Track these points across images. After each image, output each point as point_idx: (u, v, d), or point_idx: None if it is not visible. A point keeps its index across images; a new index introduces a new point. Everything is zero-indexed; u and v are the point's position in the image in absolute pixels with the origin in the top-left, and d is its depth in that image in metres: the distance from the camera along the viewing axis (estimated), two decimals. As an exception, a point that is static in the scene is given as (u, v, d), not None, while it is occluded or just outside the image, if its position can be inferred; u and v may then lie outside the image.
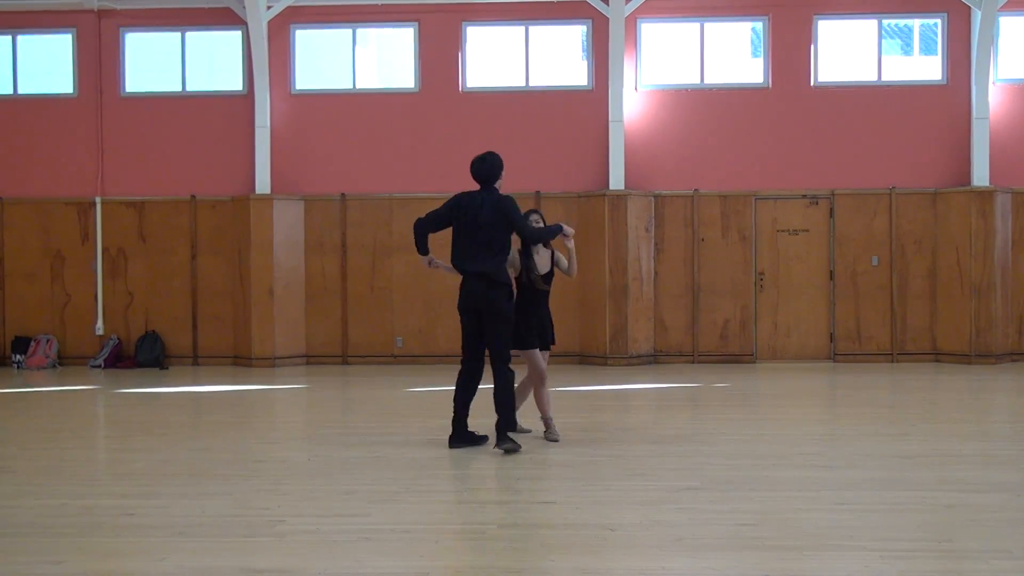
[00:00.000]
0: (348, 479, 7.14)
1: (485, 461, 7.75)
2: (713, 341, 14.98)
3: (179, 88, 15.60)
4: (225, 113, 15.41)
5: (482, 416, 9.09)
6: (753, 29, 15.55)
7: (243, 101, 15.38)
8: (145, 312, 15.41)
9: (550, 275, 8.59)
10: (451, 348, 13.89)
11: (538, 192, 15.06)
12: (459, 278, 8.20)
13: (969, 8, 14.78)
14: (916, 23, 15.74)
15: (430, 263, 8.38)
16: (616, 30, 14.63)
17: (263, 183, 15.11)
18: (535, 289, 8.45)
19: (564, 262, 8.63)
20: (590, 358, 14.75)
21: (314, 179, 15.34)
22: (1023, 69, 15.19)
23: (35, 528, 5.91)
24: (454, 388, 8.24)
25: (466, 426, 8.26)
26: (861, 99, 15.06)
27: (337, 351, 15.24)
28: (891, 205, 14.92)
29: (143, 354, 15.07)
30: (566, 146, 15.15)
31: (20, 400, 12.05)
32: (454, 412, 8.21)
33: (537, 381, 8.53)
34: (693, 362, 14.89)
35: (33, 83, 15.79)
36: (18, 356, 15.13)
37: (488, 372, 8.14)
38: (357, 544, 5.52)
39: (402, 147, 15.25)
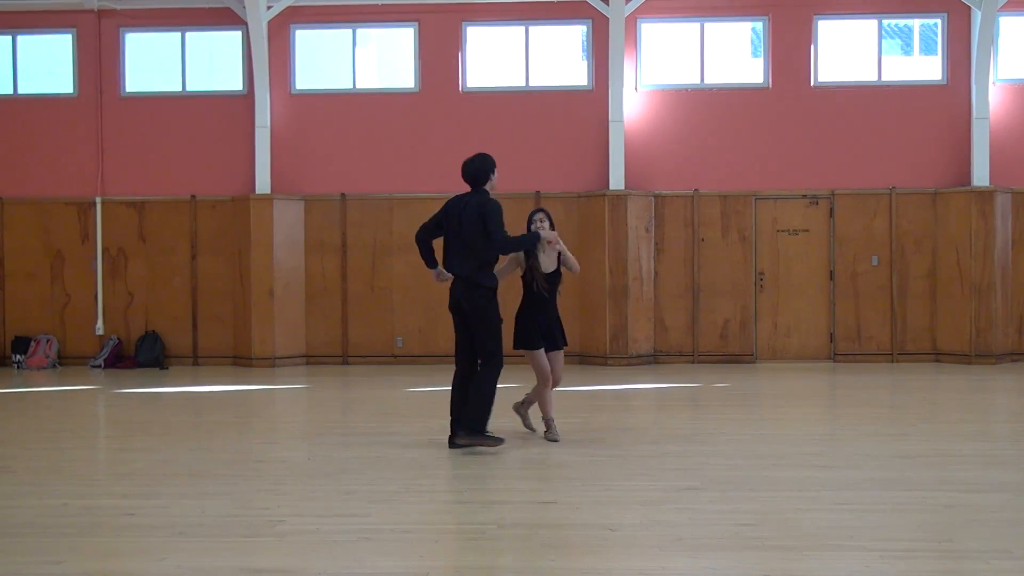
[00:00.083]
0: (348, 479, 7.14)
1: (485, 461, 7.75)
2: (713, 341, 14.98)
3: (179, 88, 15.60)
4: (225, 113, 15.41)
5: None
6: (753, 29, 15.55)
7: (243, 101, 15.38)
8: (145, 312, 15.41)
9: (556, 274, 8.50)
10: (451, 348, 13.74)
11: (538, 192, 15.06)
12: None
13: (969, 8, 14.78)
14: (916, 23, 15.74)
15: (438, 276, 8.30)
16: (616, 30, 14.63)
17: (263, 183, 15.11)
18: (544, 290, 8.38)
19: (571, 261, 8.53)
20: (590, 358, 14.75)
21: (314, 179, 15.34)
22: (1023, 69, 15.19)
23: (35, 528, 5.91)
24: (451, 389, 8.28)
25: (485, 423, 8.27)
26: (861, 99, 15.06)
27: (337, 351, 15.24)
28: (891, 205, 14.92)
29: (143, 354, 15.08)
30: (566, 146, 15.15)
31: (20, 400, 12.05)
32: (451, 413, 8.21)
33: (540, 382, 8.52)
34: (693, 362, 14.89)
35: (33, 83, 15.79)
36: (18, 356, 15.14)
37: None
38: (357, 544, 5.52)
39: (402, 147, 15.26)
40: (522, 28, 15.32)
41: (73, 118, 15.51)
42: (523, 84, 15.33)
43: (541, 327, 8.42)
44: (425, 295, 14.95)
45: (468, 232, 8.03)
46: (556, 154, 15.14)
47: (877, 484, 6.85)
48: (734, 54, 15.93)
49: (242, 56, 15.46)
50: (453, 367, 8.43)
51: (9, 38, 15.65)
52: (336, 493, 6.72)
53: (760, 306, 15.03)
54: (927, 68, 15.34)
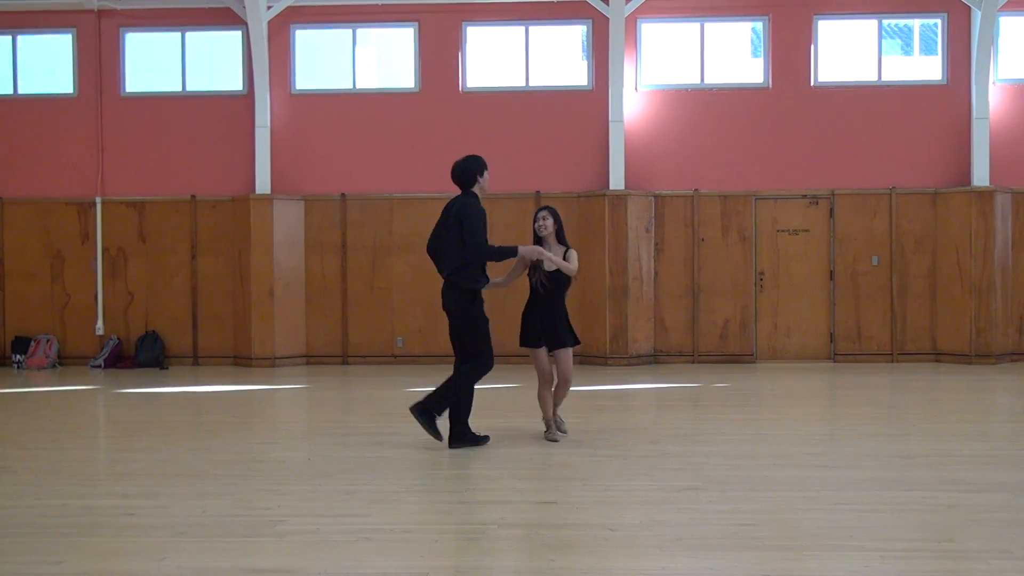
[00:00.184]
0: (348, 479, 7.14)
1: (485, 461, 7.75)
2: (713, 341, 14.98)
3: (179, 88, 15.60)
4: (225, 113, 15.41)
5: (485, 417, 9.11)
6: (753, 29, 15.55)
7: (243, 101, 15.38)
8: (145, 312, 15.41)
9: (559, 273, 8.39)
10: (451, 348, 13.86)
11: (538, 192, 15.06)
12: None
13: (969, 8, 14.78)
14: (916, 23, 15.74)
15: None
16: (616, 30, 14.63)
17: (263, 183, 15.11)
18: (543, 288, 8.36)
19: (563, 266, 8.33)
20: (590, 358, 14.75)
21: (314, 179, 15.34)
22: (1023, 69, 15.19)
23: (35, 528, 5.91)
24: None
25: (466, 426, 8.27)
26: (861, 99, 15.07)
27: (337, 351, 15.24)
28: (891, 205, 14.92)
29: (143, 354, 15.08)
30: (566, 146, 15.15)
31: (20, 400, 12.05)
32: (450, 413, 8.23)
33: (540, 381, 8.51)
34: (693, 362, 14.89)
35: (33, 83, 15.79)
36: (18, 356, 15.14)
37: (490, 373, 8.22)
38: (357, 544, 5.52)
39: (402, 147, 15.26)
40: (522, 28, 15.32)
41: (73, 118, 15.51)
42: (523, 84, 15.33)
43: (544, 326, 8.38)
44: (425, 295, 14.93)
45: (453, 232, 8.08)
46: (556, 154, 15.14)
47: (877, 484, 6.85)
48: (734, 54, 15.93)
49: (242, 56, 15.46)
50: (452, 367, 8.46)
51: (9, 38, 15.65)
52: (336, 493, 6.72)
53: (760, 306, 15.03)
54: (927, 68, 15.34)
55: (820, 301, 15.03)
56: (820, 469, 7.37)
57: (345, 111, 15.35)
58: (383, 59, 16.65)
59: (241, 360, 15.09)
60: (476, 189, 8.30)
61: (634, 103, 15.08)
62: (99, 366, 15.01)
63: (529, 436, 8.73)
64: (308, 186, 15.33)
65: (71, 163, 15.48)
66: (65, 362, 15.35)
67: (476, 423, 8.55)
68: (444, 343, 14.73)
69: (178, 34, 15.53)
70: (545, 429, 8.59)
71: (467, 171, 8.27)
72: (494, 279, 8.51)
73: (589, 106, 15.11)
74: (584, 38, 15.39)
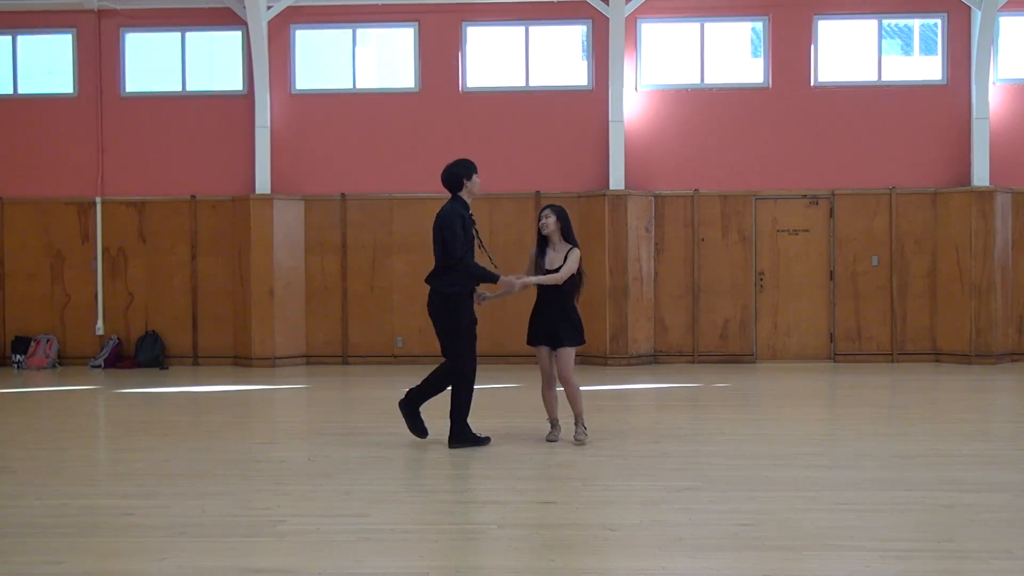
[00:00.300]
0: (348, 479, 7.14)
1: (485, 461, 7.75)
2: (713, 341, 14.98)
3: (179, 88, 15.60)
4: (225, 113, 15.41)
5: (485, 417, 9.11)
6: (753, 29, 15.55)
7: (243, 101, 15.38)
8: (145, 312, 15.41)
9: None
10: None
11: (538, 192, 15.06)
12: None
13: (969, 8, 14.78)
14: (916, 23, 15.74)
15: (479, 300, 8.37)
16: (616, 30, 14.63)
17: (263, 183, 15.11)
18: (545, 287, 8.31)
19: (554, 274, 8.25)
20: (590, 358, 14.74)
21: (314, 179, 15.34)
22: (1023, 69, 15.19)
23: (35, 528, 5.91)
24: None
25: (466, 426, 8.28)
26: (861, 99, 15.07)
27: (337, 351, 15.24)
28: (891, 205, 14.92)
29: (143, 354, 15.08)
30: (566, 146, 15.15)
31: (20, 400, 12.05)
32: (450, 413, 8.25)
33: (543, 381, 8.48)
34: (693, 362, 14.89)
35: (33, 83, 15.80)
36: (18, 356, 15.14)
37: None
38: (357, 544, 5.52)
39: (402, 147, 15.26)
40: (522, 28, 15.32)
41: (73, 118, 15.52)
42: (523, 84, 15.33)
43: (546, 325, 8.32)
44: (425, 295, 14.90)
45: (436, 237, 8.18)
46: (556, 154, 15.14)
47: (877, 484, 6.85)
48: (734, 54, 15.93)
49: (242, 56, 15.46)
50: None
51: (9, 38, 15.65)
52: (336, 493, 6.72)
53: (760, 306, 15.03)
54: (927, 68, 15.34)
55: (820, 301, 15.03)
56: (820, 469, 7.37)
57: (345, 111, 15.35)
58: (383, 59, 16.65)
59: (241, 360, 15.09)
60: (464, 194, 8.33)
61: (634, 103, 15.08)
62: (99, 366, 15.01)
63: (529, 436, 8.73)
64: (308, 186, 15.33)
65: (71, 163, 15.48)
66: (65, 362, 15.35)
67: (476, 423, 8.55)
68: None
69: (178, 34, 15.53)
70: (551, 428, 8.56)
71: (454, 175, 8.33)
72: (484, 291, 8.41)
73: (589, 106, 15.11)
74: (584, 38, 15.39)
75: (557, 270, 8.27)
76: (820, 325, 15.04)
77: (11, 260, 15.49)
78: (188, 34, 15.54)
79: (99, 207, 15.39)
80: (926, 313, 14.87)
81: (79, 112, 15.51)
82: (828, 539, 5.54)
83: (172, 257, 15.37)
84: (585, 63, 15.37)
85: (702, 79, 15.22)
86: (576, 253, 8.31)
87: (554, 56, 15.67)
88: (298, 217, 15.21)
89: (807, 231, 15.03)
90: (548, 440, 8.47)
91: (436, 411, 8.84)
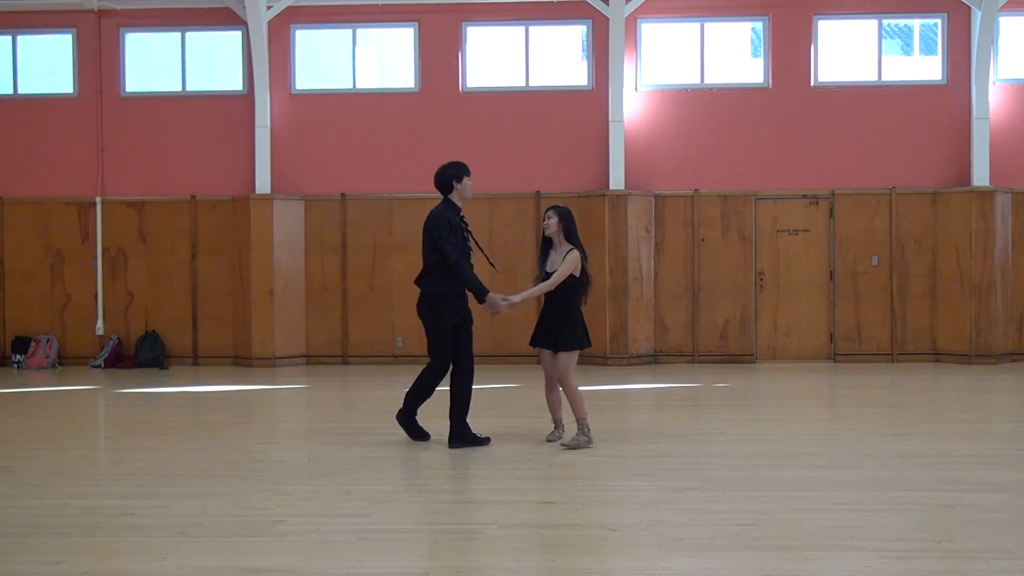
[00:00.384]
0: (348, 479, 7.14)
1: (485, 461, 7.75)
2: (713, 341, 14.98)
3: (179, 88, 15.60)
4: (225, 113, 15.41)
5: (485, 417, 9.11)
6: (753, 29, 15.55)
7: (243, 101, 15.38)
8: (145, 312, 15.41)
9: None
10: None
11: (538, 192, 15.06)
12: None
13: (969, 8, 14.78)
14: (916, 23, 15.74)
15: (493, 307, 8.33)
16: (616, 30, 14.63)
17: (263, 183, 15.11)
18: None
19: (534, 290, 8.31)
20: (590, 358, 14.73)
21: (314, 179, 15.34)
22: (1023, 69, 15.19)
23: (35, 528, 5.91)
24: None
25: (466, 425, 8.28)
26: (861, 99, 15.07)
27: (337, 351, 15.24)
28: (891, 205, 14.92)
29: (143, 354, 15.08)
30: (566, 146, 15.15)
31: (20, 400, 12.05)
32: (449, 412, 8.28)
33: (545, 383, 8.44)
34: (693, 362, 14.89)
35: (33, 83, 15.80)
36: (18, 356, 15.14)
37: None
38: (357, 544, 5.52)
39: (402, 147, 15.26)
40: (522, 28, 15.32)
41: (73, 118, 15.51)
42: (523, 84, 15.33)
43: (548, 327, 8.26)
44: (425, 295, 14.93)
45: (424, 239, 8.27)
46: (556, 154, 15.14)
47: (877, 484, 6.85)
48: (734, 54, 15.93)
49: (242, 56, 15.46)
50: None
51: (9, 38, 15.65)
52: (336, 493, 6.72)
53: (760, 306, 15.03)
54: (927, 68, 15.34)
55: (820, 301, 15.03)
56: (820, 469, 7.37)
57: (345, 111, 15.35)
58: (383, 59, 16.65)
59: (241, 360, 15.09)
60: (454, 196, 8.37)
61: (634, 103, 15.08)
62: (99, 366, 15.01)
63: (529, 436, 8.73)
64: (308, 186, 15.33)
65: (71, 163, 15.48)
66: (65, 362, 15.35)
67: (476, 423, 8.56)
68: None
69: (178, 34, 15.53)
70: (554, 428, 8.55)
71: (443, 177, 8.38)
72: (497, 296, 8.35)
73: (589, 106, 15.11)
74: (584, 38, 15.39)
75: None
76: (820, 325, 15.03)
77: (11, 260, 15.49)
78: (188, 34, 15.54)
79: (99, 207, 15.39)
80: (926, 313, 14.87)
81: (79, 112, 15.51)
82: (828, 539, 5.54)
83: (172, 257, 15.37)
84: (585, 63, 15.37)
85: (702, 79, 15.22)
86: (572, 255, 8.15)
87: (554, 56, 15.67)
88: (298, 217, 15.21)
89: (807, 231, 15.03)
90: (548, 440, 8.46)
91: (436, 411, 8.84)
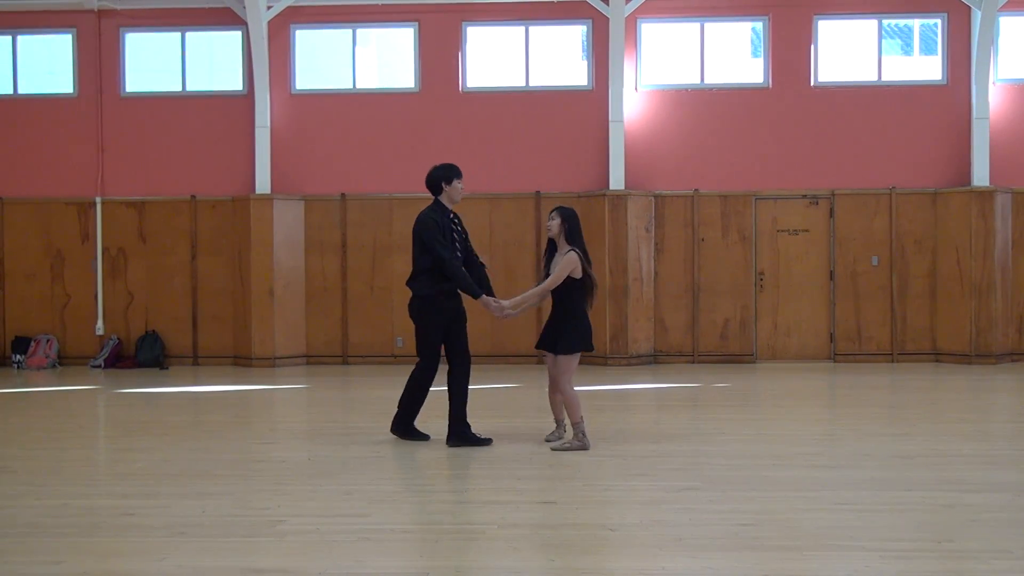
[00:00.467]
0: (348, 479, 7.14)
1: (485, 461, 7.75)
2: (713, 341, 14.98)
3: (179, 88, 15.60)
4: (225, 113, 15.41)
5: (484, 416, 9.11)
6: (753, 29, 15.55)
7: (243, 101, 15.38)
8: (145, 312, 15.41)
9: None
10: (444, 349, 13.88)
11: (538, 192, 15.06)
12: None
13: (969, 8, 14.78)
14: (916, 23, 15.74)
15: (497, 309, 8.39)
16: (616, 30, 14.63)
17: (263, 183, 15.11)
18: (556, 290, 8.19)
19: (529, 294, 8.37)
20: (590, 358, 14.73)
21: (314, 179, 15.34)
22: (1023, 69, 15.19)
23: (35, 528, 5.91)
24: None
25: (467, 426, 8.30)
26: (861, 99, 15.07)
27: (337, 351, 15.24)
28: (891, 205, 14.92)
29: (143, 354, 15.07)
30: (566, 146, 15.15)
31: (20, 400, 12.05)
32: (449, 413, 8.35)
33: (548, 384, 8.42)
34: (693, 362, 14.89)
35: (33, 83, 15.79)
36: (18, 356, 15.14)
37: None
38: (357, 544, 5.52)
39: (402, 147, 15.25)
40: (522, 28, 15.32)
41: (73, 118, 15.51)
42: (523, 84, 15.33)
43: (550, 330, 8.21)
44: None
45: (412, 242, 8.40)
46: (556, 154, 15.14)
47: (877, 484, 6.85)
48: (734, 54, 15.93)
49: (242, 56, 15.46)
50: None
51: (9, 38, 15.65)
52: (336, 493, 6.72)
53: (760, 306, 15.03)
54: (927, 68, 15.34)
55: (820, 301, 15.03)
56: (820, 469, 7.37)
57: (345, 111, 15.35)
58: (383, 59, 16.65)
59: (241, 360, 15.09)
60: (443, 198, 8.44)
61: (634, 103, 15.08)
62: (99, 366, 15.01)
63: (529, 436, 8.73)
64: (308, 186, 15.33)
65: (71, 163, 15.48)
66: (65, 362, 15.35)
67: (476, 423, 8.56)
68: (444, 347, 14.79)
69: (178, 34, 15.52)
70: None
71: (432, 178, 8.46)
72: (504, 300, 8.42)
73: (589, 106, 15.11)
74: (584, 38, 15.39)
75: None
76: (820, 325, 15.03)
77: (11, 260, 15.49)
78: (188, 34, 15.54)
79: (99, 207, 15.39)
80: (926, 313, 14.87)
81: (79, 112, 15.51)
82: (828, 539, 5.54)
83: (172, 257, 15.37)
84: (585, 63, 15.37)
85: (702, 79, 15.22)
86: (568, 256, 8.03)
87: (554, 56, 15.67)
88: (298, 217, 15.21)
89: (807, 231, 15.03)
90: (546, 440, 8.45)
91: (436, 411, 8.84)
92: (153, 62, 15.81)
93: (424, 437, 8.49)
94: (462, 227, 8.50)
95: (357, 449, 8.25)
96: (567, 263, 8.02)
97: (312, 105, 15.38)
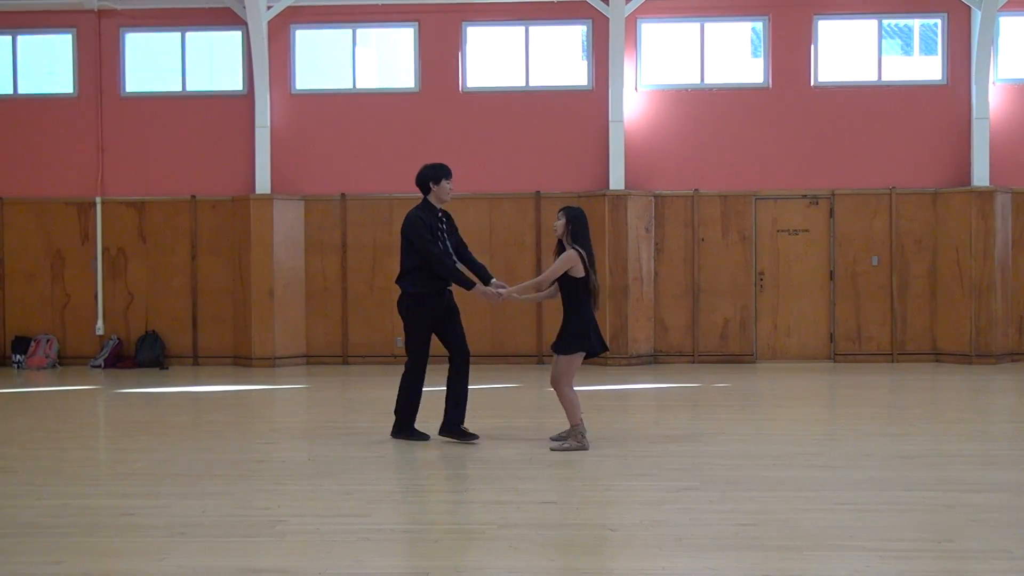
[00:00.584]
0: (348, 479, 7.14)
1: (485, 461, 7.75)
2: (713, 341, 14.98)
3: (179, 88, 15.60)
4: (225, 113, 15.41)
5: (485, 416, 9.12)
6: (753, 29, 15.55)
7: (243, 101, 15.38)
8: (145, 312, 15.41)
9: (564, 279, 8.04)
10: (443, 348, 13.87)
11: (538, 192, 15.06)
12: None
13: (969, 8, 14.78)
14: (916, 23, 15.74)
15: (485, 295, 8.48)
16: (616, 30, 14.63)
17: (263, 183, 15.11)
18: (560, 292, 8.15)
19: (528, 288, 8.48)
20: (586, 359, 14.69)
21: (314, 179, 15.34)
22: (1023, 69, 15.19)
23: (35, 528, 5.91)
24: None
25: (460, 421, 8.42)
26: (861, 99, 15.06)
27: (337, 351, 15.24)
28: (891, 205, 14.92)
29: (143, 354, 15.07)
30: (566, 146, 15.15)
31: (20, 400, 12.05)
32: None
33: None
34: (693, 362, 14.89)
35: (33, 83, 15.79)
36: (18, 356, 15.14)
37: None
38: (357, 544, 5.52)
39: (402, 147, 15.25)
40: (522, 28, 15.32)
41: (73, 118, 15.51)
42: (523, 84, 15.32)
43: (560, 329, 8.27)
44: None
45: (401, 242, 8.49)
46: (556, 154, 15.14)
47: (877, 484, 6.85)
48: (734, 54, 15.93)
49: (242, 56, 15.46)
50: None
51: (9, 38, 15.65)
52: (336, 493, 6.72)
53: (760, 306, 15.03)
54: (927, 68, 15.34)
55: (820, 301, 15.03)
56: (820, 469, 7.37)
57: (345, 111, 15.35)
58: (383, 59, 16.65)
59: (241, 360, 15.09)
60: (432, 197, 8.56)
61: (634, 103, 15.08)
62: (99, 366, 15.01)
63: (529, 436, 8.73)
64: (308, 186, 15.33)
65: (71, 163, 15.48)
66: (65, 362, 15.35)
67: (476, 423, 8.58)
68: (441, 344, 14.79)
69: (178, 34, 15.52)
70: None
71: (421, 177, 8.65)
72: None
73: (589, 106, 15.11)
74: (584, 38, 15.39)
75: (565, 275, 8.06)
76: (820, 325, 15.03)
77: (11, 260, 15.49)
78: (188, 34, 15.53)
79: (99, 207, 15.38)
80: (926, 313, 14.87)
81: (79, 112, 15.50)
82: (828, 539, 5.54)
83: (172, 257, 15.37)
84: (585, 63, 15.37)
85: (702, 79, 15.22)
86: (566, 253, 8.00)
87: (554, 56, 15.67)
88: (298, 217, 15.21)
89: (807, 231, 15.03)
90: (551, 439, 8.40)
91: (431, 411, 8.84)
92: (153, 62, 15.81)
93: (424, 437, 8.50)
94: (451, 225, 8.60)
95: (357, 449, 8.25)
96: (564, 260, 8.01)
97: (312, 105, 15.38)
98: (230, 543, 5.57)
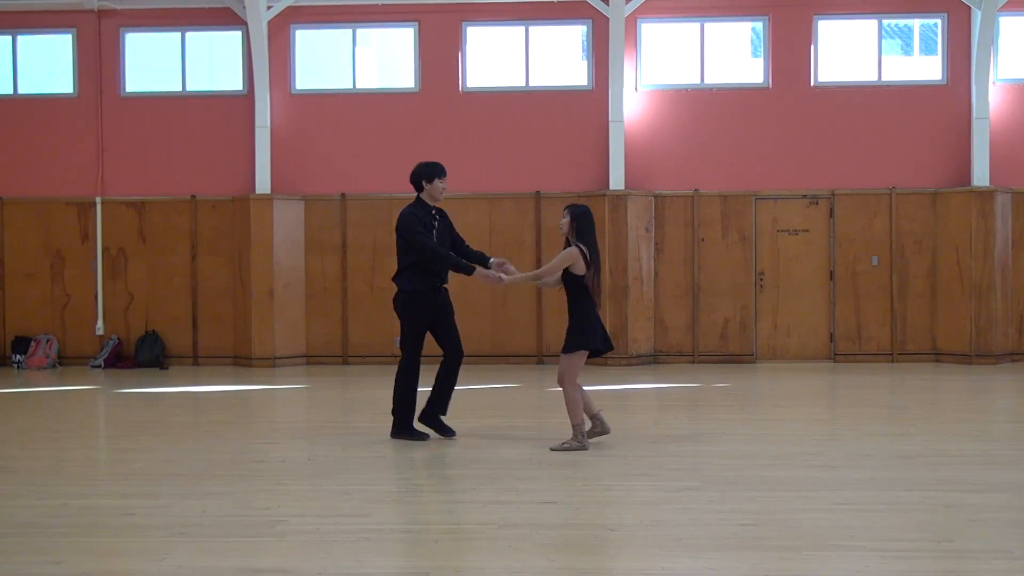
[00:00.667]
0: (348, 479, 7.14)
1: (485, 461, 7.75)
2: (713, 341, 14.98)
3: (179, 88, 15.60)
4: (225, 113, 15.41)
5: (484, 416, 9.12)
6: (753, 29, 15.55)
7: (243, 101, 15.38)
8: (145, 312, 15.41)
9: (565, 277, 8.04)
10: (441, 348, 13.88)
11: (538, 192, 15.06)
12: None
13: (969, 8, 14.78)
14: (916, 23, 15.74)
15: (486, 277, 8.64)
16: (616, 30, 14.63)
17: (263, 183, 15.11)
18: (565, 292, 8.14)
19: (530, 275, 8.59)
20: (590, 358, 14.69)
21: (314, 179, 15.34)
22: (1023, 69, 15.19)
23: (35, 528, 5.91)
24: None
25: (442, 412, 8.62)
26: (861, 99, 15.06)
27: (337, 351, 15.24)
28: (891, 205, 14.92)
29: (143, 354, 15.07)
30: (566, 146, 15.15)
31: (20, 400, 12.05)
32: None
33: None
34: (693, 362, 14.89)
35: (33, 83, 15.79)
36: (18, 356, 15.14)
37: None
38: (357, 544, 5.52)
39: (402, 147, 15.24)
40: (522, 28, 15.32)
41: (73, 118, 15.51)
42: (523, 84, 15.32)
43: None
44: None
45: (396, 240, 8.53)
46: (556, 154, 15.14)
47: (877, 484, 6.85)
48: (734, 54, 15.93)
49: (242, 56, 15.46)
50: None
51: (9, 38, 15.65)
52: (336, 493, 6.72)
53: (760, 306, 15.03)
54: (927, 68, 15.34)
55: (820, 301, 15.03)
56: (820, 469, 7.37)
57: (345, 111, 15.35)
58: (383, 59, 16.65)
59: (241, 360, 15.09)
60: (425, 195, 8.55)
61: (634, 103, 15.08)
62: (99, 366, 15.01)
63: (529, 436, 8.73)
64: (308, 186, 15.33)
65: (71, 163, 15.48)
66: (65, 362, 15.35)
67: (476, 422, 8.57)
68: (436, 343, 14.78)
69: (178, 34, 15.52)
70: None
71: (414, 175, 8.60)
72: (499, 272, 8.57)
73: (589, 106, 15.11)
74: (584, 38, 15.39)
75: (565, 274, 8.04)
76: (820, 325, 15.03)
77: (11, 260, 15.49)
78: (188, 34, 15.53)
79: (99, 207, 15.38)
80: (926, 313, 14.87)
81: (79, 112, 15.50)
82: (828, 539, 5.54)
83: (172, 257, 15.37)
84: (585, 63, 15.37)
85: (702, 79, 15.22)
86: (566, 250, 7.98)
87: (554, 56, 15.67)
88: (298, 217, 15.21)
89: (807, 231, 15.03)
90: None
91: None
92: (153, 62, 15.81)
93: (423, 437, 8.51)
94: (446, 222, 8.64)
95: (357, 449, 8.25)
96: (564, 256, 8.00)
97: (312, 105, 15.38)
98: (230, 543, 5.57)
